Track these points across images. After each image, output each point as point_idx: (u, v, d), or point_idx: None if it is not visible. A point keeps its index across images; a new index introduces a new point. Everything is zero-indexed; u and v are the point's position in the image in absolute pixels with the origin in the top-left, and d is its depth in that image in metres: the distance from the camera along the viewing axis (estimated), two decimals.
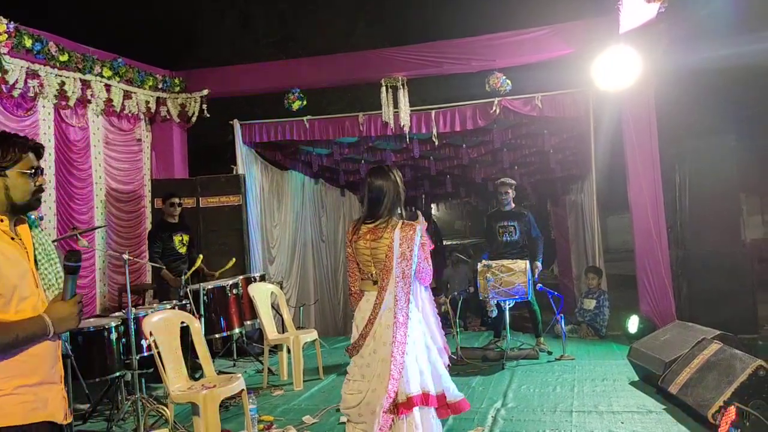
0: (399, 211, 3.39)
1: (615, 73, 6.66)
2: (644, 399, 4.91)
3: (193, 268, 6.08)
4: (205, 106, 8.15)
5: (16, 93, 6.19)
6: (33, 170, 2.09)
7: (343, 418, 4.72)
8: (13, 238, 2.06)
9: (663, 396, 4.81)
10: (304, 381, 5.85)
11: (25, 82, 6.26)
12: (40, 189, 2.12)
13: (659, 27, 6.56)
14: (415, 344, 3.27)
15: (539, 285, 6.72)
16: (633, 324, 7.01)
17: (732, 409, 3.67)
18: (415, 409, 3.18)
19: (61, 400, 2.10)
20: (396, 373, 3.15)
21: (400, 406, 3.17)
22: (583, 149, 8.33)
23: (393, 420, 3.17)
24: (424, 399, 3.23)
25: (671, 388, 4.61)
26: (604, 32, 6.84)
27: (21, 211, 2.11)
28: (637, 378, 5.45)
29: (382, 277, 3.28)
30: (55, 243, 5.50)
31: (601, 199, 8.09)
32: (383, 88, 7.65)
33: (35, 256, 2.17)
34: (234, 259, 6.56)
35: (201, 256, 6.23)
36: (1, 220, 2.04)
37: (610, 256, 9.81)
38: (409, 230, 3.26)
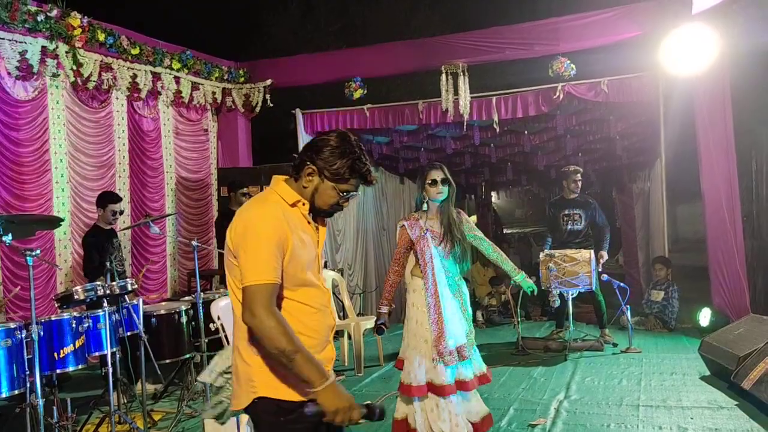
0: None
1: (687, 55, 6.39)
2: (715, 394, 4.75)
3: None
4: (268, 96, 8.32)
5: (90, 85, 6.48)
6: (345, 194, 2.11)
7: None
8: (309, 222, 2.13)
9: (735, 392, 4.64)
10: (364, 367, 5.92)
11: (99, 75, 6.54)
12: (339, 207, 2.16)
13: (735, 6, 6.24)
14: None
15: (604, 275, 6.56)
16: (705, 317, 6.76)
17: None
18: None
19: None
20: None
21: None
22: (652, 135, 8.03)
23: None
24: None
25: (744, 383, 4.44)
26: (675, 12, 6.57)
27: (315, 212, 2.15)
28: (708, 373, 5.27)
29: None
30: (129, 229, 5.75)
31: (670, 187, 7.79)
32: (443, 75, 7.60)
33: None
34: None
35: None
36: (303, 203, 2.10)
37: (679, 246, 9.49)
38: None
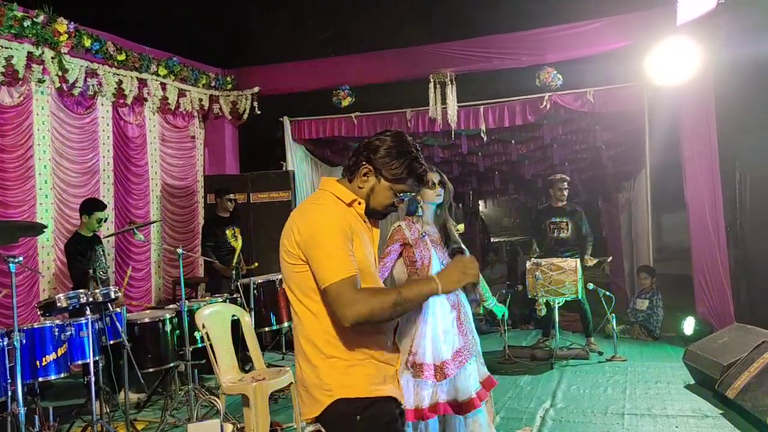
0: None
1: (672, 66, 6.47)
2: (700, 403, 4.77)
3: (241, 263, 6.27)
4: (256, 104, 8.30)
5: (76, 92, 6.44)
6: (401, 194, 2.11)
7: None
8: (365, 221, 2.12)
9: (720, 400, 4.66)
10: None
11: (85, 80, 6.50)
12: (393, 208, 2.15)
13: (719, 18, 6.33)
14: None
15: (590, 284, 6.59)
16: (689, 326, 6.81)
17: None
18: None
19: (397, 384, 2.12)
20: None
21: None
22: (637, 145, 8.10)
23: None
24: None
25: (729, 392, 4.46)
26: (660, 24, 6.65)
27: (369, 214, 2.14)
28: (692, 381, 5.30)
29: None
30: (113, 236, 5.71)
31: (655, 196, 7.86)
32: (431, 84, 7.64)
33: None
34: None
35: (256, 263, 6.46)
36: (359, 203, 2.09)
37: (664, 255, 9.54)
38: None
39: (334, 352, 1.98)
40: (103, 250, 5.76)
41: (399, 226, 3.44)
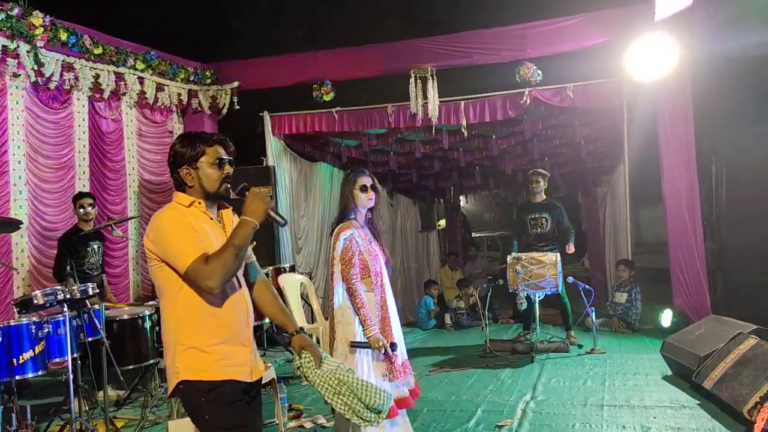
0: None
1: (649, 62, 6.53)
2: (678, 394, 4.84)
3: None
4: (235, 98, 8.22)
5: (52, 86, 6.33)
6: (219, 161, 2.35)
7: None
8: (211, 218, 2.38)
9: (697, 391, 4.74)
10: None
11: (61, 74, 6.38)
12: (227, 177, 2.38)
13: (696, 14, 6.41)
14: None
15: (570, 278, 6.65)
16: (666, 318, 6.90)
17: None
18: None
19: (247, 360, 2.34)
20: None
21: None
22: (616, 140, 8.19)
23: None
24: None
25: (706, 383, 4.53)
26: (638, 20, 6.71)
27: (215, 199, 2.41)
28: (670, 373, 5.37)
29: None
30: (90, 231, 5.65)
31: (634, 190, 7.95)
32: (412, 79, 7.62)
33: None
34: (254, 242, 6.64)
35: None
36: (199, 203, 2.36)
37: (642, 249, 9.67)
38: None
39: (185, 339, 2.25)
40: (99, 247, 5.84)
41: (351, 235, 3.43)
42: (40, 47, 6.03)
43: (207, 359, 2.24)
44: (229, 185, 2.40)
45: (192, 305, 2.25)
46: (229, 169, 2.38)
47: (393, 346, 3.37)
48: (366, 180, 3.48)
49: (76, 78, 6.58)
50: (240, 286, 2.39)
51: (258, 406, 2.43)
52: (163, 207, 2.40)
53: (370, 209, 3.54)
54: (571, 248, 6.70)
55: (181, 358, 2.25)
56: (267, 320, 6.39)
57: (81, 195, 5.82)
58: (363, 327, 3.36)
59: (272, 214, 2.32)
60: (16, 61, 5.90)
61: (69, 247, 5.53)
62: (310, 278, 7.68)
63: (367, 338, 3.33)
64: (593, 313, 6.61)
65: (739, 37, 6.32)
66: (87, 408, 4.59)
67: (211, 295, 2.23)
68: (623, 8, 7.00)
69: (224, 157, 2.37)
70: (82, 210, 5.66)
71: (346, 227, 3.46)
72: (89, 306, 4.50)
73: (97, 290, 4.56)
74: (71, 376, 4.02)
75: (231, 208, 2.50)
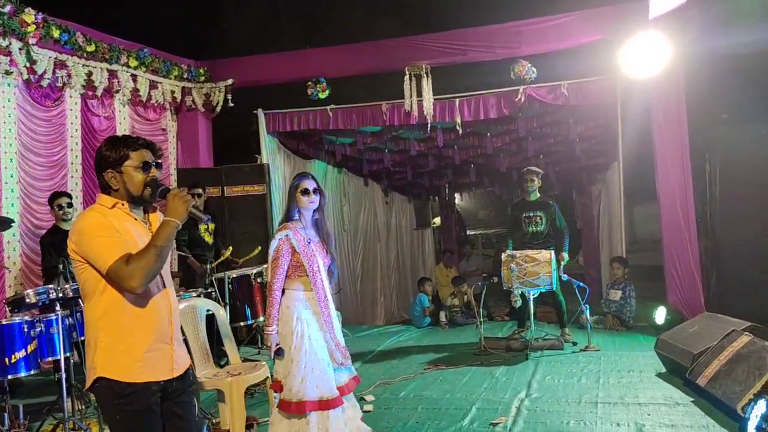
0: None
1: (644, 59, 6.54)
2: (672, 391, 4.85)
3: (221, 259, 6.19)
4: (229, 96, 8.20)
5: (44, 83, 6.29)
6: (144, 164, 2.39)
7: (368, 407, 4.76)
8: (136, 219, 2.42)
9: (691, 388, 4.75)
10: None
11: (53, 72, 6.35)
12: (153, 181, 2.41)
13: (690, 12, 6.42)
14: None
15: (564, 275, 6.65)
16: (660, 315, 6.92)
17: (762, 403, 3.60)
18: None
19: (168, 358, 2.40)
20: None
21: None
22: (610, 138, 8.20)
23: None
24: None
25: (699, 380, 4.55)
26: (632, 18, 6.71)
27: (140, 202, 2.44)
28: (664, 370, 5.38)
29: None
30: None
31: (628, 188, 7.97)
32: (407, 77, 7.61)
33: None
34: (260, 248, 6.62)
35: (230, 248, 6.38)
36: (122, 204, 2.39)
37: (637, 247, 9.70)
38: None
39: (106, 338, 2.30)
40: None
41: (286, 236, 3.59)
42: (33, 44, 5.99)
43: (126, 359, 2.30)
44: (156, 189, 2.44)
45: (115, 305, 2.30)
46: (155, 172, 2.43)
47: (280, 351, 3.57)
48: (308, 184, 3.67)
49: (69, 75, 6.54)
50: (165, 286, 2.45)
51: (187, 399, 2.48)
52: (85, 209, 2.43)
53: (317, 210, 3.73)
54: (564, 257, 6.67)
55: (100, 355, 2.30)
56: (261, 318, 6.37)
57: (57, 194, 5.74)
58: (265, 322, 3.64)
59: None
60: (8, 58, 5.86)
61: (53, 246, 5.44)
62: None
63: (265, 334, 3.62)
64: (588, 311, 6.61)
65: (732, 34, 6.33)
66: (80, 407, 4.57)
67: (134, 295, 2.28)
68: (617, 6, 7.01)
69: (149, 160, 2.41)
70: (60, 210, 5.59)
71: (283, 228, 3.65)
72: (81, 305, 4.48)
73: None
74: (64, 375, 4.00)
75: (158, 211, 2.55)
